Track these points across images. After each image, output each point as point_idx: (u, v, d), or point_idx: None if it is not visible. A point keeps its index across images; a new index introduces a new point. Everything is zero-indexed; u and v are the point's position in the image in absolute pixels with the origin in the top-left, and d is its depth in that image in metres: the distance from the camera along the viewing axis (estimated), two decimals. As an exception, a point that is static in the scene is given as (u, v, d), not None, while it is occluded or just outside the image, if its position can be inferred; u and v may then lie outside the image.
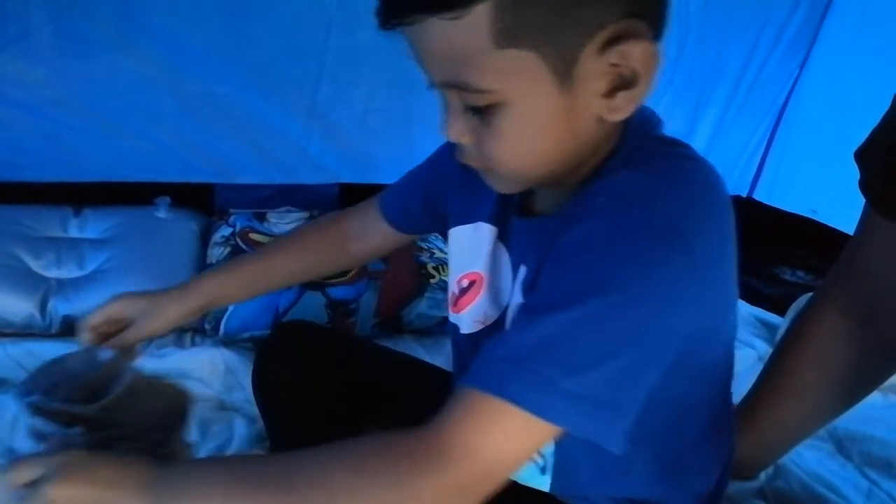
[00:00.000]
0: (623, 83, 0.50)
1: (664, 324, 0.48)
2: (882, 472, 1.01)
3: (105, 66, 1.33)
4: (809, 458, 0.99)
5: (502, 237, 0.64)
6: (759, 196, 1.79)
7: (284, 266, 0.83)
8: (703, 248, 0.49)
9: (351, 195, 1.56)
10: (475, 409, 0.47)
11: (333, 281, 1.27)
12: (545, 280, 0.51)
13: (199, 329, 1.25)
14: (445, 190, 0.72)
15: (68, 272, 1.25)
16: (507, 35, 0.47)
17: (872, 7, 1.49)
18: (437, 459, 0.47)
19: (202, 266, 1.32)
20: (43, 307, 1.18)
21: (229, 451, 0.96)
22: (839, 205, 1.45)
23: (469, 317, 0.67)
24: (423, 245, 1.39)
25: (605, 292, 0.47)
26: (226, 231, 1.37)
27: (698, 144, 1.72)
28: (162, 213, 1.40)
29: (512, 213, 0.63)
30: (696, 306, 0.50)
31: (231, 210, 1.45)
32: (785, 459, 0.92)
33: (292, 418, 0.84)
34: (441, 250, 1.39)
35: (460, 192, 0.69)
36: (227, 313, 1.21)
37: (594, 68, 0.49)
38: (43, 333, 1.18)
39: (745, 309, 1.51)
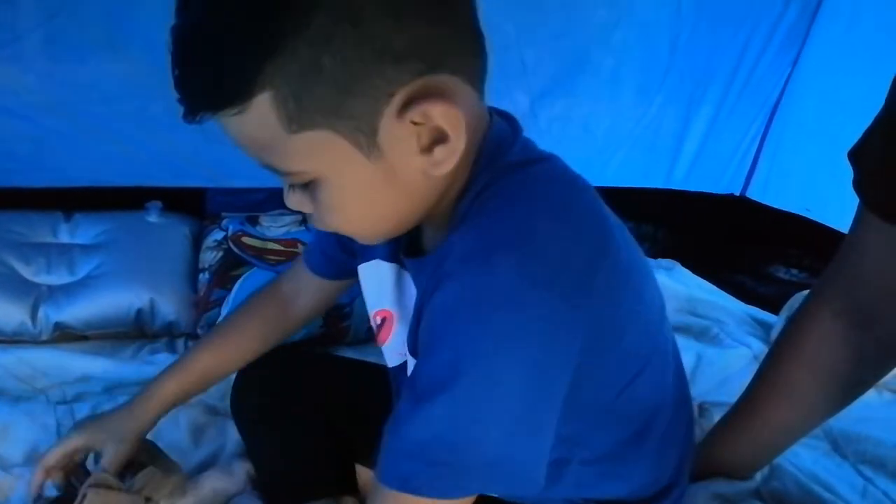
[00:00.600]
0: (439, 137, 0.48)
1: (543, 369, 0.48)
2: (877, 469, 1.01)
3: (95, 72, 1.32)
4: (805, 458, 0.99)
5: (407, 269, 0.63)
6: (752, 194, 1.79)
7: (238, 351, 0.84)
8: (568, 277, 0.48)
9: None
10: None
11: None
12: (421, 357, 0.50)
13: (193, 335, 1.25)
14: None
15: (59, 278, 1.24)
16: (296, 120, 0.47)
17: (864, 4, 1.49)
18: None
19: (195, 271, 1.31)
20: (34, 314, 1.17)
21: (222, 458, 0.96)
22: (833, 203, 1.45)
23: (390, 350, 0.68)
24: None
25: (476, 366, 0.46)
26: (218, 235, 1.36)
27: (691, 143, 1.72)
28: (153, 218, 1.40)
29: (401, 252, 0.62)
30: (580, 337, 0.48)
31: (223, 214, 1.44)
32: (780, 459, 0.91)
33: (269, 438, 0.86)
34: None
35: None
36: (221, 318, 1.20)
37: (398, 132, 0.48)
38: (34, 340, 1.17)
39: (738, 307, 1.51)
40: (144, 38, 1.30)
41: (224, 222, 1.40)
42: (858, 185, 0.64)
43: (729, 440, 0.81)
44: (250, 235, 1.36)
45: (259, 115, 0.47)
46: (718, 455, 0.81)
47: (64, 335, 1.19)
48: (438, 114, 0.47)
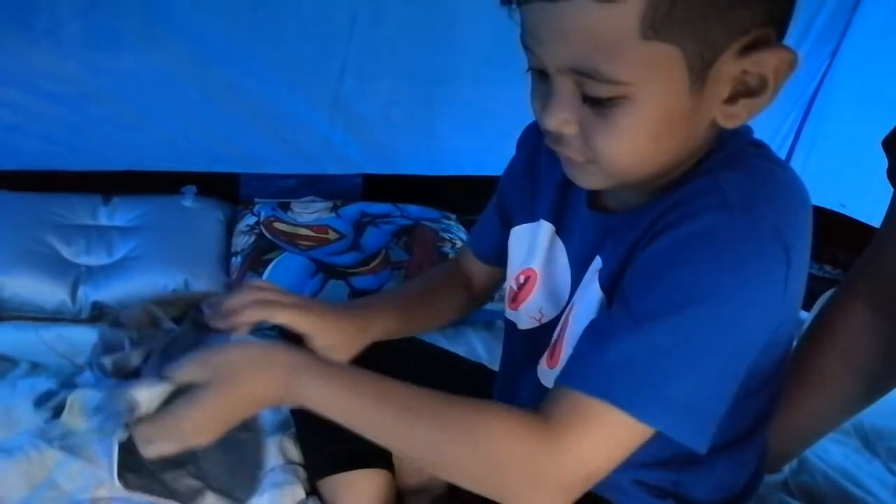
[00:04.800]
0: (746, 90, 0.49)
1: (754, 329, 0.50)
2: (910, 468, 1.00)
3: (133, 60, 1.36)
4: (834, 453, 0.98)
5: (560, 233, 0.64)
6: (786, 189, 1.76)
7: (435, 308, 0.79)
8: (797, 252, 0.50)
9: (374, 186, 1.57)
10: (585, 413, 0.49)
11: (357, 270, 1.28)
12: (649, 280, 0.50)
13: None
14: (513, 198, 0.72)
15: (97, 259, 1.28)
16: (657, 26, 0.45)
17: (906, -4, 1.46)
18: (549, 459, 0.49)
19: (227, 254, 1.34)
20: (73, 293, 1.21)
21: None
22: (868, 199, 1.42)
23: (525, 313, 0.67)
24: (446, 236, 1.39)
25: (707, 300, 0.47)
26: (251, 220, 1.38)
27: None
28: (188, 202, 1.42)
29: (570, 209, 0.62)
30: (781, 310, 0.51)
31: (256, 199, 1.47)
32: (809, 453, 0.91)
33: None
34: (463, 241, 1.39)
35: (521, 192, 0.69)
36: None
37: (728, 72, 0.48)
38: (73, 319, 1.21)
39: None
40: (182, 27, 1.33)
41: (256, 207, 1.42)
42: (893, 174, 0.64)
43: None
44: (282, 221, 1.39)
45: (626, 10, 0.45)
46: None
47: (101, 314, 1.22)
48: (773, 64, 0.48)
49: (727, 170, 0.51)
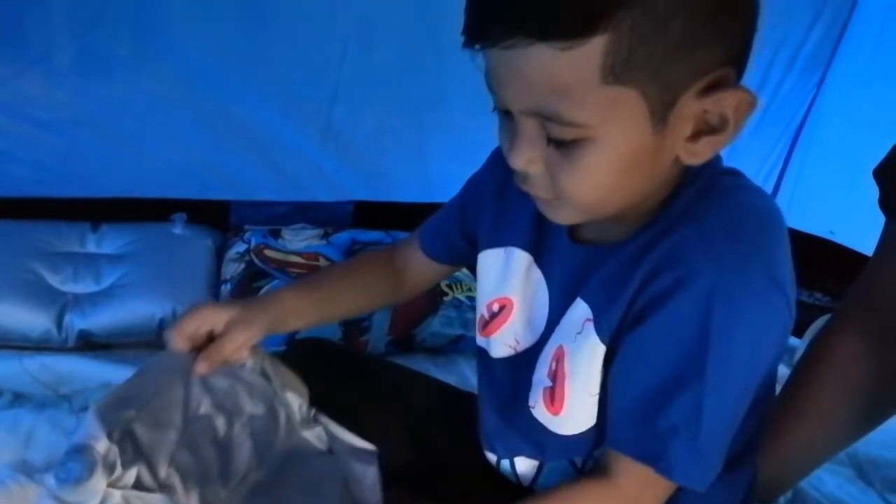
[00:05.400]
0: (708, 128, 0.50)
1: (762, 373, 0.54)
2: (904, 498, 0.99)
3: (124, 86, 1.36)
4: (829, 483, 0.97)
5: (538, 262, 0.63)
6: (775, 216, 1.77)
7: (350, 293, 0.80)
8: (789, 285, 0.52)
9: (365, 213, 1.56)
10: (643, 480, 0.55)
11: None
12: (667, 353, 0.52)
13: (213, 345, 1.26)
14: (477, 215, 0.72)
15: (85, 287, 1.26)
16: (616, 71, 0.45)
17: (891, 26, 1.48)
18: None
19: (217, 282, 1.33)
20: (59, 321, 1.19)
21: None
22: (857, 226, 1.43)
23: (499, 341, 0.67)
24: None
25: (724, 358, 0.50)
26: (241, 247, 1.38)
27: (714, 164, 1.71)
28: (178, 230, 1.42)
29: (549, 239, 0.62)
30: (783, 341, 0.54)
31: (246, 227, 1.46)
32: (804, 483, 0.90)
33: None
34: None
35: (491, 216, 0.69)
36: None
37: (689, 112, 0.49)
38: (59, 348, 1.19)
39: (761, 330, 1.49)
40: (173, 54, 1.34)
41: (247, 235, 1.42)
42: (884, 203, 0.64)
43: (752, 462, 0.80)
44: (272, 248, 1.38)
45: (584, 57, 0.45)
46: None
47: (88, 343, 1.21)
48: (733, 103, 0.49)
49: (708, 209, 0.52)
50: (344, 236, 1.45)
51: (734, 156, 1.92)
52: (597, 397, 0.58)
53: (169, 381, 0.68)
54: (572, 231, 0.61)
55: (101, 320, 1.20)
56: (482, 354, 0.70)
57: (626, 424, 0.56)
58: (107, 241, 1.37)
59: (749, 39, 0.50)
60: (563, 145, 0.49)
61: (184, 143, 1.42)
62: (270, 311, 0.72)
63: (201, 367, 0.67)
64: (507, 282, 0.66)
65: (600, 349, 0.56)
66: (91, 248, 1.36)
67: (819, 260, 1.65)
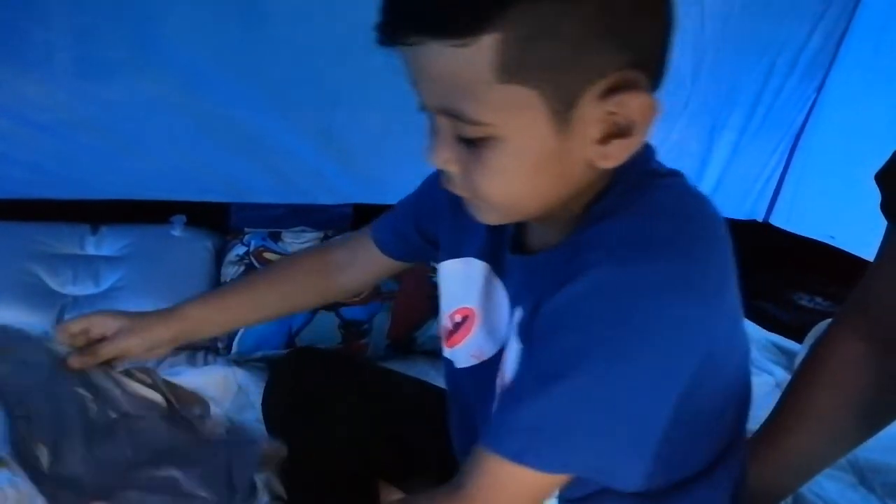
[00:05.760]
0: (618, 131, 0.49)
1: (664, 372, 0.49)
2: (905, 503, 0.99)
3: (123, 89, 1.36)
4: (830, 489, 0.97)
5: (498, 272, 0.63)
6: (775, 221, 1.77)
7: (268, 298, 0.82)
8: (707, 283, 0.49)
9: (364, 215, 1.56)
10: (500, 476, 0.51)
11: (346, 301, 1.26)
12: (550, 338, 0.50)
13: (212, 348, 1.25)
14: (435, 219, 0.72)
15: (84, 289, 1.26)
16: (511, 70, 0.46)
17: (890, 31, 1.49)
18: None
19: (216, 284, 1.33)
20: (58, 323, 1.19)
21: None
22: (857, 230, 1.43)
23: (464, 352, 0.67)
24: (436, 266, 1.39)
25: (600, 359, 0.47)
26: (240, 250, 1.37)
27: (714, 168, 1.72)
28: (177, 232, 1.42)
29: (504, 248, 0.62)
30: (695, 345, 0.49)
31: (246, 229, 1.46)
32: (805, 490, 0.90)
33: (301, 444, 0.84)
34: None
35: (449, 225, 0.68)
36: (241, 332, 1.21)
37: (592, 114, 0.48)
38: (57, 350, 1.19)
39: (761, 335, 1.49)
40: (171, 58, 1.34)
41: (246, 237, 1.42)
42: (886, 208, 0.64)
43: (753, 467, 0.79)
44: (272, 251, 1.38)
45: (478, 54, 0.45)
46: (740, 483, 0.79)
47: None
48: (636, 106, 0.48)
49: (625, 211, 0.51)
50: (343, 239, 1.45)
51: (735, 160, 1.94)
52: None
53: (37, 347, 0.72)
54: (520, 238, 0.61)
55: (99, 323, 1.20)
56: (448, 364, 0.70)
57: (494, 416, 0.54)
58: (106, 243, 1.37)
59: (661, 44, 0.50)
60: (474, 144, 0.50)
61: (183, 145, 1.42)
62: (172, 326, 0.77)
63: (73, 362, 0.73)
64: (468, 292, 0.65)
65: (519, 348, 0.56)
66: (90, 250, 1.36)
67: (819, 264, 1.65)
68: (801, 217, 1.72)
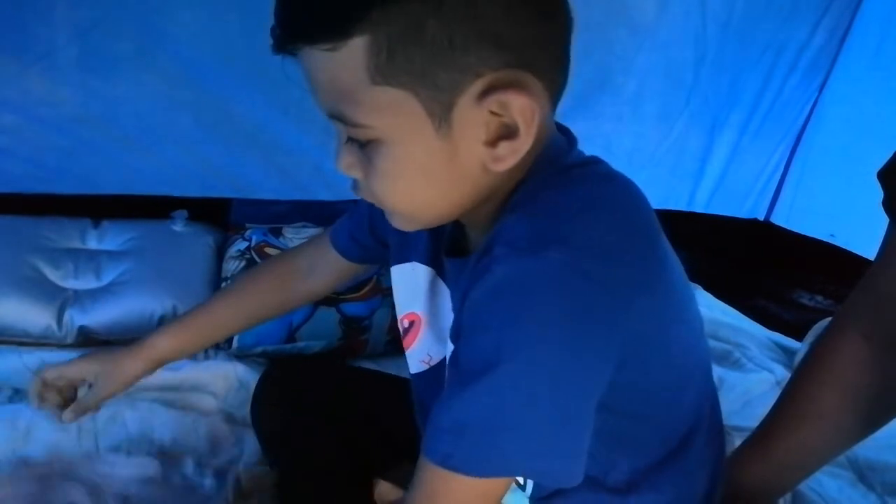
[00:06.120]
0: (507, 133, 0.49)
1: (584, 359, 0.48)
2: (904, 501, 0.99)
3: (126, 85, 1.35)
4: (830, 486, 0.97)
5: (442, 275, 0.63)
6: (776, 220, 1.77)
7: (227, 317, 0.84)
8: (618, 273, 0.48)
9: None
10: (433, 485, 0.50)
11: (347, 297, 1.27)
12: (464, 340, 0.50)
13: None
14: (385, 222, 0.73)
15: (86, 283, 1.26)
16: (383, 71, 0.46)
17: (892, 31, 1.48)
18: None
19: (218, 280, 1.33)
20: (60, 318, 1.19)
21: (239, 467, 0.96)
22: (858, 229, 1.43)
23: (415, 356, 0.67)
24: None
25: (514, 354, 0.46)
26: (241, 245, 1.38)
27: (714, 166, 1.72)
28: (178, 227, 1.42)
29: (442, 253, 0.62)
30: (618, 328, 0.48)
31: (247, 225, 1.46)
32: (804, 487, 0.90)
33: (287, 449, 0.86)
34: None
35: (396, 231, 0.67)
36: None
37: (472, 115, 0.48)
38: (59, 343, 1.19)
39: (762, 333, 1.49)
40: (176, 53, 1.34)
41: (248, 233, 1.42)
42: (888, 205, 0.64)
43: (752, 464, 0.80)
44: (273, 246, 1.38)
45: (349, 58, 0.46)
46: (740, 479, 0.79)
47: (87, 340, 1.21)
48: (517, 107, 0.48)
49: (530, 205, 0.50)
50: (345, 235, 1.45)
51: (735, 158, 1.93)
52: None
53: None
54: (462, 242, 0.61)
55: (101, 317, 1.20)
56: (408, 368, 0.71)
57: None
58: (108, 237, 1.38)
59: (552, 43, 0.50)
60: (363, 147, 0.51)
61: (185, 140, 1.42)
62: (142, 359, 0.80)
63: (67, 416, 0.77)
64: (415, 297, 0.66)
65: (452, 350, 0.56)
66: (92, 244, 1.36)
67: (820, 263, 1.65)
68: (802, 216, 1.72)
